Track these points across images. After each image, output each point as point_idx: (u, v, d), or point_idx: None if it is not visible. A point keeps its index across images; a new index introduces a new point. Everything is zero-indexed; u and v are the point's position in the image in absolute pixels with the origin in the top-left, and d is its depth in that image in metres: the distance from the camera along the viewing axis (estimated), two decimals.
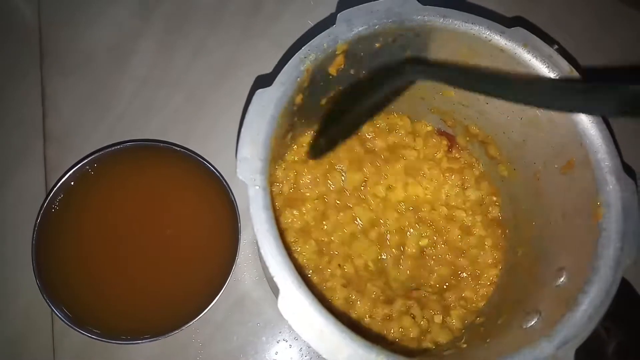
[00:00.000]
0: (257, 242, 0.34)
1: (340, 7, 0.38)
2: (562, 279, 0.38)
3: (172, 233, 0.48)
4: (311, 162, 0.48)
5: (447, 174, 0.50)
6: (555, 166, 0.41)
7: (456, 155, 0.51)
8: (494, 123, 0.46)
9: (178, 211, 0.49)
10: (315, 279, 0.45)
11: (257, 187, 0.34)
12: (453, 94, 0.46)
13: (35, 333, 0.50)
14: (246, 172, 0.34)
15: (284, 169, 0.48)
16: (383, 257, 0.48)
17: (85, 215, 0.48)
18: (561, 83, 0.39)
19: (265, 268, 0.34)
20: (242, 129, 0.35)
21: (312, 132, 0.48)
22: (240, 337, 0.51)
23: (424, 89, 0.46)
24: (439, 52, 0.42)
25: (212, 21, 0.60)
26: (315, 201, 0.47)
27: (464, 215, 0.50)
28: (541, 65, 0.39)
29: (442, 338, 0.45)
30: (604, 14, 0.63)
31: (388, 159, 0.49)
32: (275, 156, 0.38)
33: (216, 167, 0.49)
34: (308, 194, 0.47)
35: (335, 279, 0.45)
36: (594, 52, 0.59)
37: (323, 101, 0.44)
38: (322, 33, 0.38)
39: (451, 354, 0.43)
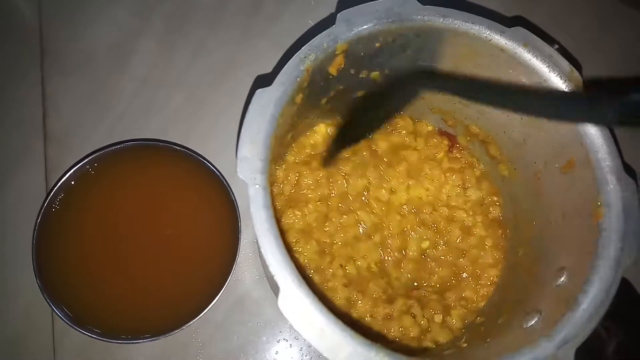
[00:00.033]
0: (257, 242, 0.34)
1: (340, 7, 0.38)
2: (562, 278, 0.38)
3: (172, 232, 0.48)
4: (314, 163, 0.48)
5: (448, 174, 0.50)
6: (556, 166, 0.41)
7: (457, 155, 0.51)
8: (495, 122, 0.46)
9: (178, 211, 0.49)
10: (316, 278, 0.45)
11: (257, 186, 0.34)
12: None
13: (35, 332, 0.50)
14: (246, 171, 0.34)
15: (285, 169, 0.48)
16: (385, 258, 0.48)
17: (86, 215, 0.48)
18: (564, 94, 0.39)
19: (265, 267, 0.34)
20: (242, 129, 0.35)
21: (328, 142, 0.49)
22: (241, 336, 0.51)
23: None
24: (439, 52, 0.42)
25: (212, 21, 0.60)
26: (318, 203, 0.47)
27: (465, 215, 0.50)
28: (541, 65, 0.39)
29: (442, 337, 0.45)
30: (604, 14, 0.63)
31: (390, 162, 0.49)
32: (276, 156, 0.38)
33: (216, 166, 0.49)
34: (310, 195, 0.47)
35: (336, 279, 0.45)
36: (594, 52, 0.59)
37: (323, 101, 0.44)
38: (322, 33, 0.38)
39: (451, 353, 0.43)
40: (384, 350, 0.32)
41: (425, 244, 0.49)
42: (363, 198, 0.49)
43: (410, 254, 0.48)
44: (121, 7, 0.60)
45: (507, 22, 0.39)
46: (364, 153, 0.49)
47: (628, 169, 0.37)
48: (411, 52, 0.42)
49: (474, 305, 0.47)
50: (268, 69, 0.58)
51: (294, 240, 0.46)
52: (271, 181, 0.36)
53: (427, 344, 0.45)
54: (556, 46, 0.40)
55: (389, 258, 0.48)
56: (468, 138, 0.50)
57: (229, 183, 0.49)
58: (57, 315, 0.44)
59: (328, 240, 0.47)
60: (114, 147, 0.49)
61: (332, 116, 0.50)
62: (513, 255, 0.48)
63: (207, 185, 0.49)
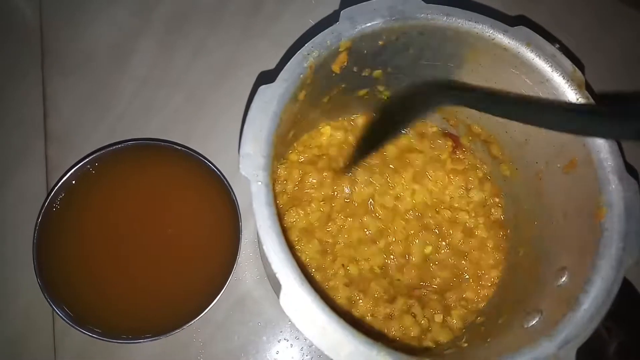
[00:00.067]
0: (258, 240, 0.34)
1: (344, 4, 0.38)
2: (563, 278, 0.38)
3: (173, 232, 0.48)
4: (320, 163, 0.48)
5: (452, 176, 0.50)
6: (558, 165, 0.41)
7: (460, 156, 0.51)
8: (496, 122, 0.46)
9: (179, 210, 0.49)
10: (317, 277, 0.45)
11: (260, 183, 0.34)
12: None
13: (36, 332, 0.50)
14: (249, 168, 0.34)
15: (287, 167, 0.47)
16: (388, 263, 0.48)
17: (87, 214, 0.48)
18: (579, 107, 0.39)
19: (267, 265, 0.34)
20: (245, 125, 0.35)
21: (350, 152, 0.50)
22: (242, 336, 0.51)
23: None
24: (442, 50, 0.42)
25: (212, 21, 0.60)
26: (321, 202, 0.47)
27: (467, 217, 0.50)
28: (544, 64, 0.39)
29: (443, 337, 0.45)
30: (604, 14, 0.63)
31: (397, 169, 0.50)
32: (278, 154, 0.38)
33: (217, 166, 0.49)
34: (314, 194, 0.47)
35: (338, 278, 0.45)
36: (594, 52, 0.59)
37: (325, 99, 0.44)
38: (325, 30, 0.38)
39: (452, 353, 0.43)
40: (385, 349, 0.32)
41: (428, 250, 0.48)
42: (369, 204, 0.49)
43: (413, 259, 0.48)
44: (121, 7, 0.60)
45: (510, 21, 0.39)
46: (373, 159, 0.50)
47: (630, 169, 0.37)
48: (414, 51, 0.42)
49: (474, 305, 0.47)
50: (268, 68, 0.58)
51: (296, 239, 0.46)
52: (273, 179, 0.35)
53: (428, 343, 0.45)
54: (557, 45, 0.40)
55: (392, 263, 0.48)
56: (470, 138, 0.50)
57: (230, 182, 0.49)
58: (58, 314, 0.44)
59: (330, 241, 0.47)
60: (114, 147, 0.49)
61: (333, 116, 0.50)
62: (514, 255, 0.48)
63: (207, 184, 0.49)
